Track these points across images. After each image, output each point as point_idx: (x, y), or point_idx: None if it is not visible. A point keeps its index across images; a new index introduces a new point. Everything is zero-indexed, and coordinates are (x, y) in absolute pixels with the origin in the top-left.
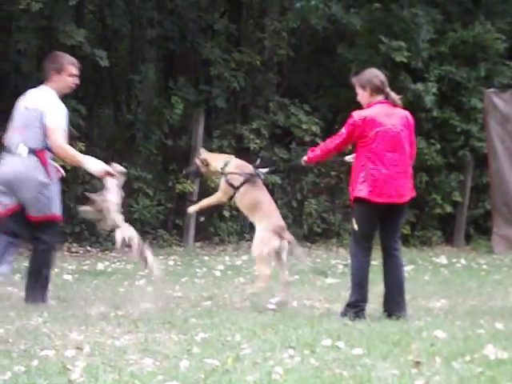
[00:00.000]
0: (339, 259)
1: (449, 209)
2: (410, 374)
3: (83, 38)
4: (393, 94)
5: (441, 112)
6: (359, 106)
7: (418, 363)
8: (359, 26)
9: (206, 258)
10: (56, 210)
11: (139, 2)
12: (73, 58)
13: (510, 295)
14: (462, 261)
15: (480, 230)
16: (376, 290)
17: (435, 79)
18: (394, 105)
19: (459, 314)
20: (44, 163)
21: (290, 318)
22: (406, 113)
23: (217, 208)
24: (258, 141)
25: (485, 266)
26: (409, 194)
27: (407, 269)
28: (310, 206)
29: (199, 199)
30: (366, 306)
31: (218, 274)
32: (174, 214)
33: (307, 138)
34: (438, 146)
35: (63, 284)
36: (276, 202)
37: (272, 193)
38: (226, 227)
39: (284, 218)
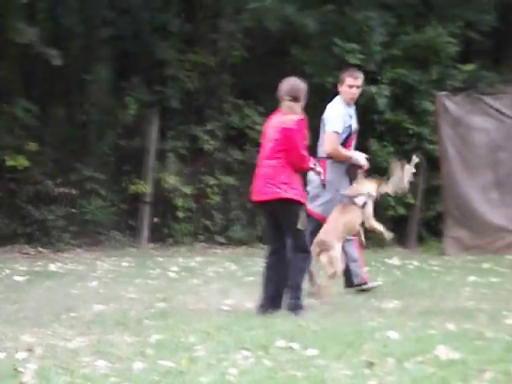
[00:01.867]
0: None
1: (401, 211)
2: (363, 374)
3: (35, 36)
4: (286, 103)
5: (393, 114)
6: (312, 109)
7: (370, 364)
8: (313, 27)
9: (160, 259)
10: None
11: (92, 0)
12: None
13: (461, 296)
14: (415, 262)
15: (432, 231)
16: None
17: (388, 82)
18: (284, 112)
19: (411, 314)
20: None
21: (244, 320)
22: (286, 120)
23: (170, 209)
24: (212, 142)
25: (436, 268)
26: (272, 194)
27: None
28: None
29: (153, 200)
30: (266, 303)
31: (172, 275)
32: (127, 215)
33: (261, 140)
34: (391, 149)
35: (15, 285)
36: (230, 203)
37: (226, 194)
38: (180, 228)
39: (238, 219)
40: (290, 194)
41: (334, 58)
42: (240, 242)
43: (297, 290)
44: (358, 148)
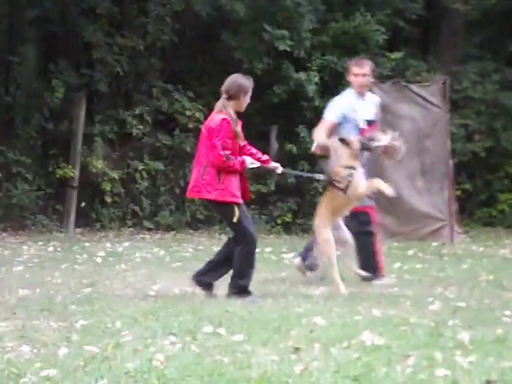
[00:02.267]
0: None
1: None
2: (290, 359)
3: None
4: (220, 101)
5: (323, 101)
6: None
7: (297, 349)
8: (243, 13)
9: (87, 244)
10: None
11: None
12: None
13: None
14: (342, 248)
15: None
16: (258, 276)
17: (317, 69)
18: (216, 111)
19: (338, 301)
20: None
21: (172, 305)
22: (214, 118)
23: (98, 194)
24: (140, 126)
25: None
26: (198, 193)
27: (289, 256)
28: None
29: (80, 185)
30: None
31: (99, 260)
32: (54, 200)
33: (191, 125)
34: None
35: None
36: (158, 188)
37: (154, 179)
38: (108, 213)
39: (167, 204)
40: (212, 195)
41: (263, 44)
42: (168, 228)
43: (237, 279)
44: (292, 135)
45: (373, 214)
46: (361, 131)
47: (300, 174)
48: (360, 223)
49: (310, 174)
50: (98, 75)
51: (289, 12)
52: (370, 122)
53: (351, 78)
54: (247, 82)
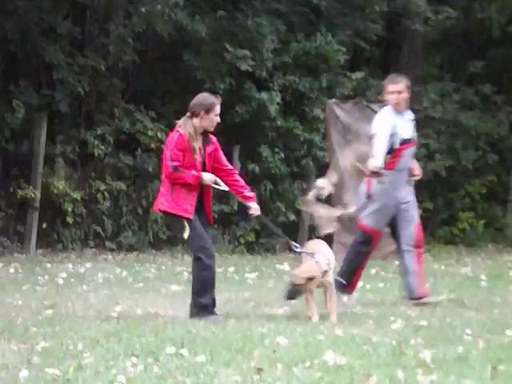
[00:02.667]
0: (184, 266)
1: (292, 217)
2: (252, 380)
3: None
4: (184, 117)
5: (285, 121)
6: None
7: (260, 370)
8: (204, 33)
9: (49, 265)
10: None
11: None
12: None
13: (349, 302)
14: None
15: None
16: (220, 296)
17: (279, 89)
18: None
19: (301, 320)
20: None
21: (134, 326)
22: (170, 134)
23: (60, 214)
24: (102, 147)
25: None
26: (155, 205)
27: (251, 276)
28: (155, 213)
29: (41, 206)
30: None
31: (60, 281)
32: (15, 221)
33: (153, 145)
34: (282, 155)
35: None
36: (121, 208)
37: (117, 199)
38: (70, 234)
39: (129, 225)
40: (164, 206)
41: (225, 64)
42: (131, 248)
43: (196, 297)
44: (254, 155)
45: (376, 239)
46: (395, 152)
47: (276, 231)
48: (361, 241)
49: (286, 239)
50: (59, 95)
51: (250, 32)
52: (409, 141)
53: (387, 96)
54: (210, 100)
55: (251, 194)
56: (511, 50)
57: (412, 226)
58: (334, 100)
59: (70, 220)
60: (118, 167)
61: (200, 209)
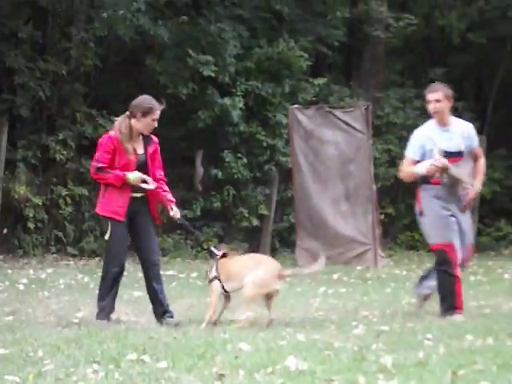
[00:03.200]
0: None
1: (255, 222)
2: None
3: None
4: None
5: (247, 127)
6: (169, 121)
7: (221, 375)
8: (167, 38)
9: (9, 271)
10: None
11: None
12: None
13: (312, 307)
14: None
15: (284, 242)
16: (183, 302)
17: (242, 94)
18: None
19: (263, 326)
20: None
21: (95, 333)
22: (103, 136)
23: (21, 220)
24: (64, 152)
25: (288, 279)
26: None
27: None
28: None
29: (2, 211)
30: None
31: (21, 287)
32: None
33: None
34: (245, 160)
35: None
36: (83, 214)
37: (79, 205)
38: (31, 239)
39: (91, 230)
40: (98, 208)
41: (188, 69)
42: (93, 254)
43: (98, 300)
44: (217, 160)
45: (450, 251)
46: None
47: (197, 236)
48: (439, 262)
49: (209, 247)
50: (20, 100)
51: (213, 38)
52: (451, 154)
53: (427, 106)
54: (149, 104)
55: (172, 198)
56: (471, 57)
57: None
58: (296, 106)
59: (31, 225)
60: (79, 172)
61: (144, 208)
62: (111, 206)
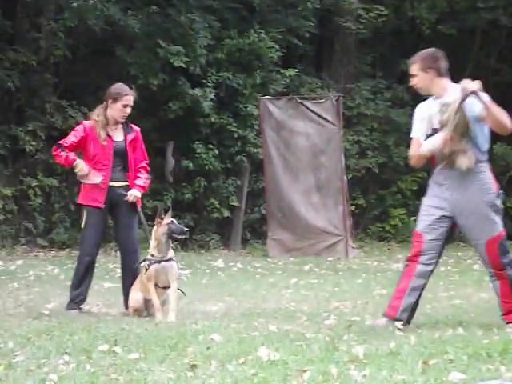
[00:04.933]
0: (117, 263)
1: (226, 213)
2: (186, 377)
3: None
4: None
5: (218, 118)
6: (139, 111)
7: (193, 366)
8: (137, 28)
9: None
10: None
11: None
12: None
13: (284, 298)
14: (239, 264)
15: (256, 234)
16: None
17: (213, 85)
18: None
19: (235, 316)
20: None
21: (66, 324)
22: None
23: None
24: (34, 143)
25: (260, 270)
26: None
27: (185, 272)
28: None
29: None
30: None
31: None
32: None
33: None
34: (216, 151)
35: None
36: (53, 205)
37: (49, 196)
38: (0, 231)
39: (62, 222)
40: (79, 198)
41: (158, 60)
42: (63, 245)
43: (71, 289)
44: (188, 151)
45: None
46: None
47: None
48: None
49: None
50: None
51: (184, 28)
52: (435, 131)
53: None
54: (118, 90)
55: (139, 182)
56: (441, 48)
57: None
58: (267, 97)
59: (0, 217)
60: (49, 163)
61: (125, 198)
62: (89, 194)
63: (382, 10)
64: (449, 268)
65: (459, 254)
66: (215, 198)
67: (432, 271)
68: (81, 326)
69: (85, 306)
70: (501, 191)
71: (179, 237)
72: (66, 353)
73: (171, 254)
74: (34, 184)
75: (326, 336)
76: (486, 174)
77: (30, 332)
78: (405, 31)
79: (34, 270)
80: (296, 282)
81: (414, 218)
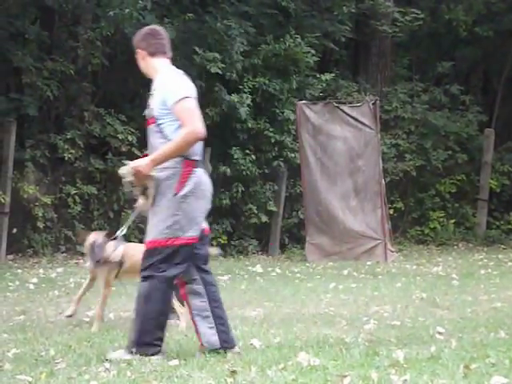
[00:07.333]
0: None
1: (264, 218)
2: (226, 383)
3: None
4: None
5: (255, 123)
6: None
7: (233, 372)
8: (174, 36)
9: (19, 270)
10: None
11: None
12: None
13: (323, 302)
14: (277, 269)
15: (294, 238)
16: None
17: (249, 91)
18: None
19: (274, 322)
20: None
21: (107, 331)
22: None
23: (30, 219)
24: (72, 151)
25: (298, 275)
26: None
27: (224, 278)
28: (127, 216)
29: (11, 211)
30: None
31: (31, 287)
32: None
33: (124, 148)
34: (253, 157)
35: None
36: (92, 213)
37: (88, 204)
38: (41, 239)
39: (101, 229)
40: None
41: (195, 67)
42: None
43: None
44: (225, 157)
45: None
46: None
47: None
48: None
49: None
50: (27, 99)
51: (219, 35)
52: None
53: None
54: None
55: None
56: (478, 50)
57: None
58: (304, 101)
59: (40, 225)
60: (88, 171)
61: None
62: None
63: (418, 14)
64: (489, 271)
65: (500, 256)
66: (253, 204)
67: None
68: (121, 333)
69: (124, 313)
70: None
71: None
72: (107, 360)
73: None
74: (73, 192)
75: (366, 340)
76: None
77: (70, 339)
78: (441, 33)
79: (74, 277)
80: (335, 287)
81: (453, 220)
